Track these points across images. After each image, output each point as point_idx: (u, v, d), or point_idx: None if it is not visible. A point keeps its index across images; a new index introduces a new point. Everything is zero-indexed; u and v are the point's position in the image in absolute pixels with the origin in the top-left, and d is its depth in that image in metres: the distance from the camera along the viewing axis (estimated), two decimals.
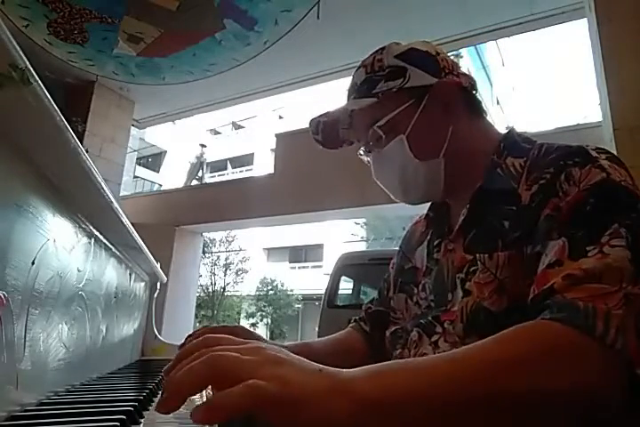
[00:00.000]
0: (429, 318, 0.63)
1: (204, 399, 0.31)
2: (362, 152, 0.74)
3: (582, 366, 0.38)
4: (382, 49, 0.69)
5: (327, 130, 0.75)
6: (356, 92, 0.69)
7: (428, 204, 0.84)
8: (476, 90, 0.70)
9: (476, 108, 0.69)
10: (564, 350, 0.39)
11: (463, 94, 0.68)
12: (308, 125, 0.76)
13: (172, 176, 15.74)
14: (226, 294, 16.12)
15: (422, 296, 0.69)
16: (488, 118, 0.71)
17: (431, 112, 0.65)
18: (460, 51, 10.24)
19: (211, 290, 15.66)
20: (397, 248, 0.85)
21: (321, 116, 0.74)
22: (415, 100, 0.65)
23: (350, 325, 0.87)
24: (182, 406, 0.32)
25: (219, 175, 19.21)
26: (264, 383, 0.30)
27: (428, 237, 0.74)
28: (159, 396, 0.34)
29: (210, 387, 0.33)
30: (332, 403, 0.32)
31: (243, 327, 0.73)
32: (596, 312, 0.40)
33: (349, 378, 0.35)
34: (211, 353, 0.33)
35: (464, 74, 0.69)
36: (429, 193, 0.69)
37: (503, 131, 0.69)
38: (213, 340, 0.37)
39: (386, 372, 0.37)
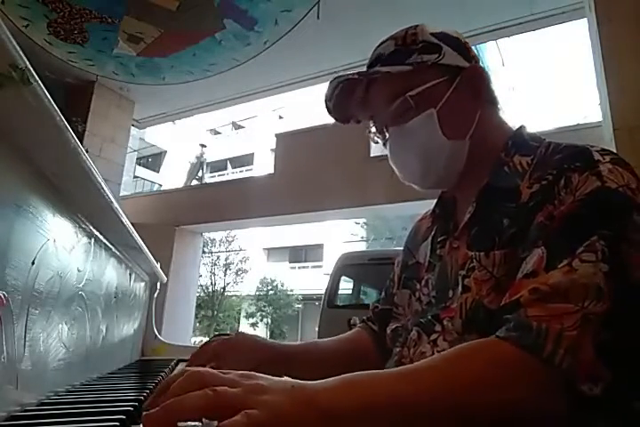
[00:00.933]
0: (429, 317, 0.62)
1: None
2: (374, 129, 0.71)
3: (524, 383, 0.41)
4: (415, 26, 0.68)
5: (340, 98, 0.71)
6: (382, 61, 0.67)
7: (432, 204, 0.84)
8: (493, 84, 0.69)
9: (496, 102, 0.69)
10: (508, 369, 0.42)
11: (488, 85, 0.67)
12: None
13: (172, 176, 15.75)
14: (226, 294, 16.13)
15: (424, 292, 0.69)
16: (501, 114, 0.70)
17: (461, 94, 0.64)
18: None
19: (211, 290, 15.66)
20: (398, 248, 0.85)
21: (341, 77, 0.68)
22: (448, 79, 0.64)
23: (358, 325, 0.86)
24: None
25: (219, 175, 19.21)
26: (256, 412, 0.35)
27: (433, 233, 0.73)
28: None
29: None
30: (301, 416, 0.37)
31: (243, 334, 0.71)
32: (547, 333, 0.42)
33: (314, 391, 0.39)
34: (210, 388, 0.37)
35: (483, 67, 0.69)
36: (447, 177, 0.67)
37: (515, 127, 0.69)
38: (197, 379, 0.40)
39: (345, 382, 0.41)
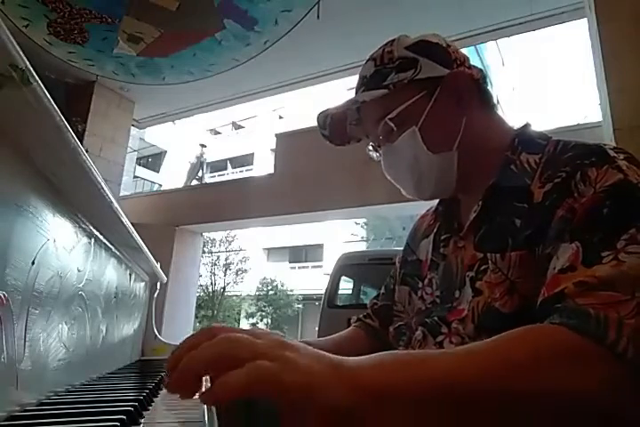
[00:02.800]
0: (435, 319, 0.62)
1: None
2: (370, 148, 0.72)
3: (588, 373, 0.37)
4: (392, 41, 0.68)
5: (335, 125, 0.73)
6: (364, 85, 0.68)
7: (437, 201, 0.83)
8: (487, 83, 0.69)
9: (487, 102, 0.68)
10: (571, 356, 0.38)
11: (475, 86, 0.67)
12: (315, 121, 0.73)
13: (172, 176, 15.74)
14: (226, 294, 16.12)
15: (428, 291, 0.68)
16: (499, 113, 0.70)
17: (444, 104, 0.64)
18: None
19: (211, 290, 15.66)
20: (398, 248, 0.84)
21: (329, 110, 0.72)
22: (427, 92, 0.64)
23: (353, 324, 0.85)
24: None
25: (219, 175, 19.20)
26: (269, 364, 0.30)
27: (435, 231, 0.73)
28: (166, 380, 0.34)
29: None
30: (335, 390, 0.32)
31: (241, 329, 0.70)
32: (607, 321, 0.39)
33: (354, 366, 0.34)
34: (222, 335, 0.33)
35: (475, 66, 0.68)
36: (442, 188, 0.68)
37: (516, 126, 0.68)
38: (217, 329, 0.36)
39: (391, 361, 0.36)
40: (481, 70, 0.68)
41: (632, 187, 0.49)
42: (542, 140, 0.62)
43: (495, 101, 0.69)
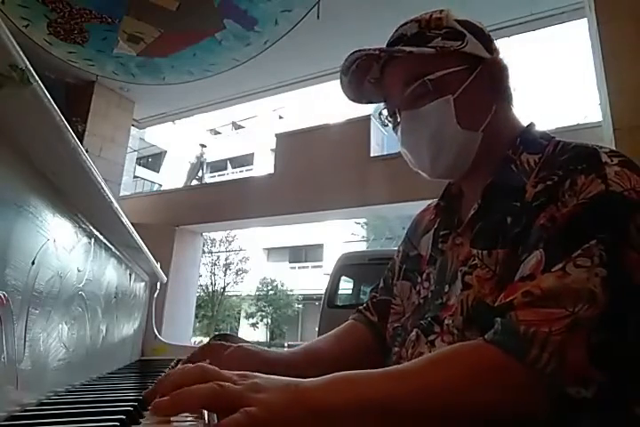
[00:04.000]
0: (429, 320, 0.62)
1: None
2: (385, 112, 0.70)
3: (500, 386, 0.43)
4: (440, 11, 0.67)
5: (355, 76, 0.69)
6: (403, 42, 0.65)
7: (433, 204, 0.82)
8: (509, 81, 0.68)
9: (508, 98, 0.68)
10: (486, 372, 0.44)
11: (505, 80, 0.67)
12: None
13: (172, 176, 15.74)
14: (226, 294, 16.13)
15: (425, 286, 0.68)
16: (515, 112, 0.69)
17: (480, 84, 0.63)
18: None
19: (211, 290, 15.67)
20: (398, 248, 0.84)
21: (361, 52, 0.65)
22: (469, 67, 0.63)
23: (352, 317, 0.83)
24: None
25: (219, 175, 19.21)
26: (255, 409, 0.38)
27: (435, 226, 0.72)
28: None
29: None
30: (292, 413, 0.40)
31: (240, 347, 0.68)
32: (534, 338, 0.43)
33: (305, 389, 0.42)
34: (212, 383, 0.40)
35: (503, 61, 0.68)
36: (456, 167, 0.66)
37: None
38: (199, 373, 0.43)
39: (339, 382, 0.44)
40: (508, 68, 0.68)
41: (611, 199, 0.49)
42: (544, 140, 0.62)
43: (513, 100, 0.69)
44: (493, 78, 0.64)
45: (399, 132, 0.68)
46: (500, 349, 0.44)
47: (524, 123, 0.68)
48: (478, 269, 0.57)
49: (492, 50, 0.66)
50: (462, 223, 0.65)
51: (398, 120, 0.68)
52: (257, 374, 0.43)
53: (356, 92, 0.72)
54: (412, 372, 0.45)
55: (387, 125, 0.70)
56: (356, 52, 0.65)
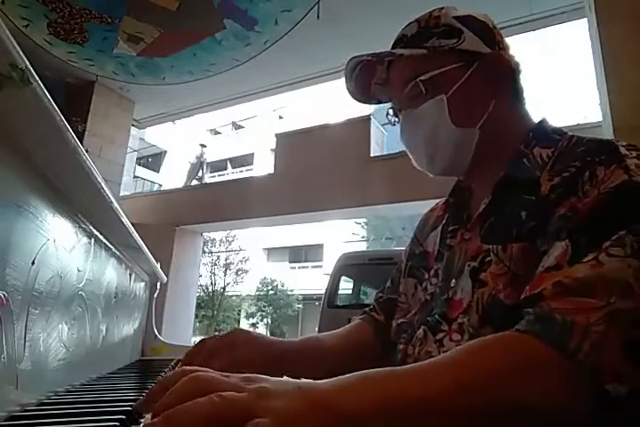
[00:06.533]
0: (436, 317, 0.61)
1: None
2: (391, 111, 0.71)
3: (545, 381, 0.39)
4: (440, 8, 0.67)
5: (360, 80, 0.70)
6: (403, 43, 0.67)
7: (432, 204, 0.82)
8: (520, 78, 0.68)
9: (517, 94, 0.67)
10: (529, 364, 0.40)
11: (510, 75, 0.66)
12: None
13: (172, 176, 15.75)
14: (226, 294, 16.13)
15: (433, 282, 0.68)
16: (527, 109, 0.69)
17: (477, 80, 0.63)
18: None
19: (211, 290, 15.67)
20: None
21: (361, 57, 0.66)
22: (464, 64, 0.63)
23: (359, 317, 0.83)
24: None
25: (219, 175, 19.22)
26: (264, 420, 0.32)
27: (444, 222, 0.72)
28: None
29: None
30: (315, 421, 0.34)
31: (241, 330, 0.67)
32: (573, 328, 0.40)
33: (326, 392, 0.36)
34: (211, 396, 0.33)
35: (514, 56, 0.67)
36: (455, 165, 0.66)
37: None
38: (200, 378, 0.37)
39: (361, 382, 0.38)
40: (519, 63, 0.67)
41: (636, 188, 0.48)
42: (557, 134, 0.62)
43: (524, 94, 0.68)
44: (492, 73, 0.64)
45: (400, 131, 0.69)
46: (538, 338, 0.40)
47: (537, 118, 0.67)
48: (493, 264, 0.57)
49: (495, 44, 0.66)
50: (472, 219, 0.65)
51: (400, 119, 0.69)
52: (264, 376, 0.38)
53: (364, 95, 0.73)
54: (442, 367, 0.40)
55: (394, 124, 0.71)
56: (352, 59, 0.67)
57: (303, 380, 0.38)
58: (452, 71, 0.63)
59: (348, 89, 0.73)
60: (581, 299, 0.42)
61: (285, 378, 0.39)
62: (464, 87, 0.63)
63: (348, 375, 0.38)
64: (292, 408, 0.34)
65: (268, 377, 0.38)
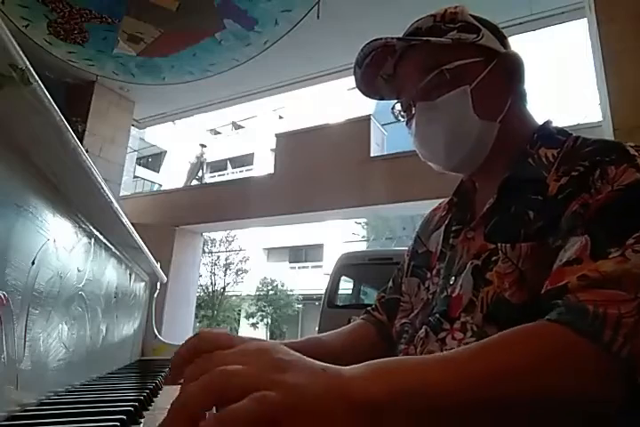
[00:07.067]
0: (437, 316, 0.61)
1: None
2: (398, 106, 0.70)
3: (582, 370, 0.38)
4: (455, 6, 0.68)
5: (369, 69, 0.69)
6: (420, 35, 0.66)
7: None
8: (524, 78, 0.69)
9: (522, 94, 0.68)
10: (565, 354, 0.39)
11: (520, 75, 0.67)
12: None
13: (172, 176, 15.75)
14: (226, 294, 16.13)
15: (435, 281, 0.68)
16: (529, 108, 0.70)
17: (496, 77, 0.64)
18: None
19: (211, 290, 15.66)
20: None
21: (378, 42, 0.65)
22: (484, 60, 0.64)
23: (361, 317, 0.83)
24: None
25: (219, 175, 19.22)
26: (270, 394, 0.30)
27: (447, 222, 0.72)
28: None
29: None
30: (330, 405, 0.31)
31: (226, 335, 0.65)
32: (605, 318, 0.39)
33: (349, 378, 0.34)
34: (215, 370, 0.31)
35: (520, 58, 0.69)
36: (471, 159, 0.66)
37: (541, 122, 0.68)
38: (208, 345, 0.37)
39: (384, 370, 0.36)
40: (524, 65, 0.68)
41: None
42: (562, 135, 0.63)
43: (527, 97, 0.69)
44: (509, 72, 0.65)
45: (413, 125, 0.67)
46: (570, 328, 0.39)
47: (541, 120, 0.68)
48: (500, 262, 0.56)
49: (506, 45, 0.67)
50: (475, 218, 0.65)
51: (413, 112, 0.67)
52: (281, 348, 0.34)
53: (369, 86, 0.72)
54: (468, 358, 0.38)
55: (400, 120, 0.71)
56: (372, 41, 0.65)
57: (325, 364, 0.35)
58: (474, 64, 0.63)
59: (355, 76, 0.71)
60: (609, 291, 0.41)
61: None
62: (485, 82, 0.63)
63: (365, 364, 0.36)
64: (307, 385, 0.31)
65: (288, 349, 0.35)
